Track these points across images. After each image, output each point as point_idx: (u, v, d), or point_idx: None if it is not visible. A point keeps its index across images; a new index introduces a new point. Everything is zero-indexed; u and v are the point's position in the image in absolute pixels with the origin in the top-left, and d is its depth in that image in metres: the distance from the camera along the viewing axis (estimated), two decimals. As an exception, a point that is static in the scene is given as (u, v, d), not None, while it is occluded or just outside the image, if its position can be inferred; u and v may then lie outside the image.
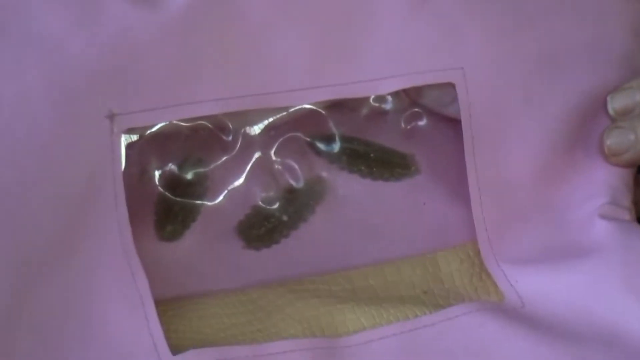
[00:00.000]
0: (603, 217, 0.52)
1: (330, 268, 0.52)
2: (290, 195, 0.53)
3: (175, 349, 0.46)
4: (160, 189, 0.52)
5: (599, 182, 0.53)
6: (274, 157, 0.53)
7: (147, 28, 0.47)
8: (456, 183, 0.54)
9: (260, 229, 0.53)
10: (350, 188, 0.54)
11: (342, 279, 0.52)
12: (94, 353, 0.45)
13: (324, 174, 0.54)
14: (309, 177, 0.54)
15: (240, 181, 0.53)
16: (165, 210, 0.52)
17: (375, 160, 0.55)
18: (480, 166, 0.52)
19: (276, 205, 0.53)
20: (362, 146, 0.55)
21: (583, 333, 0.48)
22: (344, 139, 0.54)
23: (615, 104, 0.53)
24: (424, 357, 0.48)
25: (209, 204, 0.53)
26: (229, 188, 0.53)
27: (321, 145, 0.54)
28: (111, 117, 0.46)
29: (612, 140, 0.53)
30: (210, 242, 0.52)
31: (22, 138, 0.45)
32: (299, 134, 0.54)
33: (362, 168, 0.55)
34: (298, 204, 0.53)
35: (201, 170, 0.53)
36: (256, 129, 0.54)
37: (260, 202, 0.53)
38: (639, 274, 0.49)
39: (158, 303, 0.47)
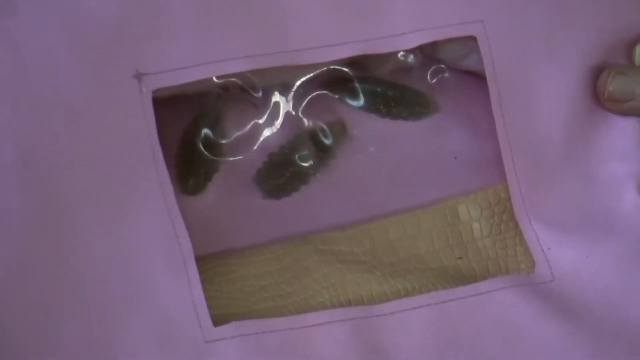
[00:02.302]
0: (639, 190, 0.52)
1: (350, 218, 0.52)
2: (309, 141, 0.52)
3: (211, 318, 0.46)
4: (181, 142, 0.51)
5: (632, 137, 0.52)
6: (291, 103, 0.52)
7: None
8: (478, 123, 0.53)
9: (280, 178, 0.52)
10: (369, 129, 0.53)
11: (362, 235, 0.52)
12: (136, 314, 0.45)
13: (344, 116, 0.53)
14: (328, 120, 0.53)
15: (266, 133, 0.52)
16: (187, 163, 0.51)
17: (394, 98, 0.53)
18: (509, 120, 0.51)
19: (295, 152, 0.52)
20: (379, 85, 0.53)
21: (609, 325, 0.49)
22: (361, 80, 0.53)
23: None
24: (455, 331, 0.48)
25: (231, 159, 0.52)
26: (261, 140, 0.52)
27: (340, 91, 0.53)
28: (138, 76, 0.46)
29: (615, 87, 0.52)
30: (230, 194, 0.51)
31: (49, 96, 0.45)
32: (322, 92, 0.52)
33: (381, 107, 0.53)
34: (317, 149, 0.52)
35: (222, 126, 0.51)
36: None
37: (277, 150, 0.52)
38: None
39: None
